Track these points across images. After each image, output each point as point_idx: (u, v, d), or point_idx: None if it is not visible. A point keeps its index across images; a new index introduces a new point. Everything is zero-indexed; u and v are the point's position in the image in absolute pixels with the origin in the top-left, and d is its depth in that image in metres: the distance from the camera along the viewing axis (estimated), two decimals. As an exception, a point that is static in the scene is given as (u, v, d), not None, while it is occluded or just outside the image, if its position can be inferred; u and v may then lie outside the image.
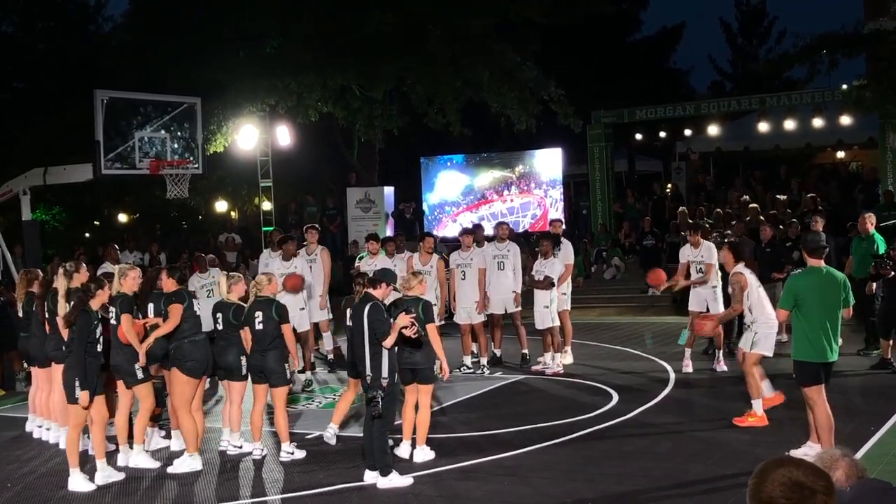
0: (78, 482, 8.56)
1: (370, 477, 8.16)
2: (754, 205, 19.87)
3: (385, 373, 8.01)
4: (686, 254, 13.08)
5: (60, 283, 9.72)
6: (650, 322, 18.36)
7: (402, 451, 8.87)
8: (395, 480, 8.04)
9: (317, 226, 14.74)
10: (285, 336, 9.27)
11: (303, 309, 12.99)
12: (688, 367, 12.63)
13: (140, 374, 8.93)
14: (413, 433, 8.88)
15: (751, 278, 9.95)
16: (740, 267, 10.10)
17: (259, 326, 9.16)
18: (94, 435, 8.83)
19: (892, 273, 12.20)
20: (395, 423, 8.71)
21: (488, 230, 17.02)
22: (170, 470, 8.90)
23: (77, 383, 8.45)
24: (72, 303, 8.83)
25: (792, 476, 2.96)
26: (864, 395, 11.02)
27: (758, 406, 9.64)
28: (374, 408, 7.97)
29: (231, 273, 10.25)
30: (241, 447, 9.53)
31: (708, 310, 12.72)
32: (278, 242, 13.69)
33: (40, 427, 10.71)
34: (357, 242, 21.57)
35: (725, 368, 12.76)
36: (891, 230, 16.55)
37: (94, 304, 8.65)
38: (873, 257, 12.86)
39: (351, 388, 9.55)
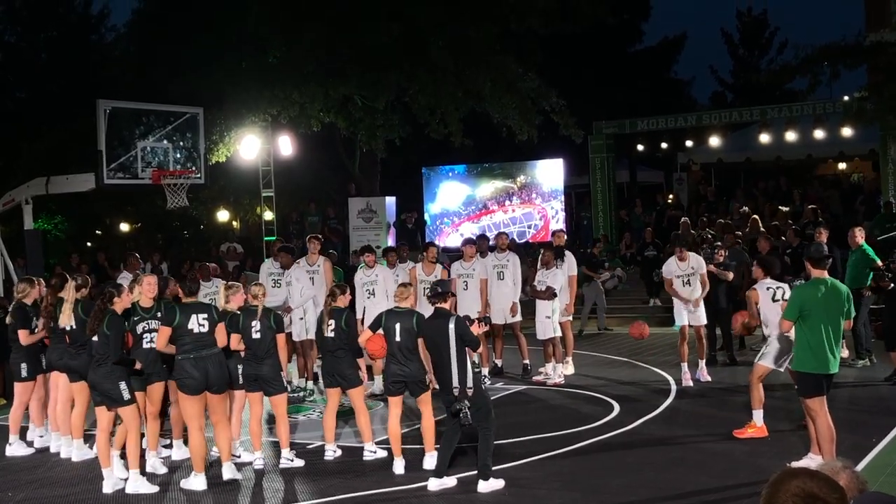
0: (139, 485, 8.56)
1: (435, 485, 8.22)
2: (755, 216, 19.87)
3: (470, 382, 8.13)
4: (672, 269, 13.02)
5: (69, 295, 9.74)
6: (651, 332, 18.31)
7: (397, 467, 8.88)
8: (494, 484, 8.15)
9: (319, 236, 14.61)
10: (279, 345, 9.30)
11: (301, 319, 12.96)
12: (687, 380, 12.62)
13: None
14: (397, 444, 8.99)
15: (765, 293, 9.89)
16: (761, 282, 10.04)
17: (256, 336, 9.16)
18: (100, 442, 8.83)
19: (892, 285, 12.22)
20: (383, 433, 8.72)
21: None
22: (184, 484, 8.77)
23: (124, 386, 8.50)
24: (91, 311, 8.80)
25: (806, 487, 2.95)
26: (866, 406, 11.01)
27: (758, 417, 9.62)
28: (464, 418, 8.05)
29: (230, 283, 10.22)
30: (238, 456, 9.54)
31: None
32: (276, 252, 13.72)
33: (41, 437, 10.72)
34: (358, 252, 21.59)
35: (709, 378, 12.78)
36: (891, 242, 16.58)
37: (118, 309, 8.69)
38: (872, 269, 12.88)
39: (332, 401, 9.54)
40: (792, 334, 9.08)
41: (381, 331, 8.80)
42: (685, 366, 12.73)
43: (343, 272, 16.10)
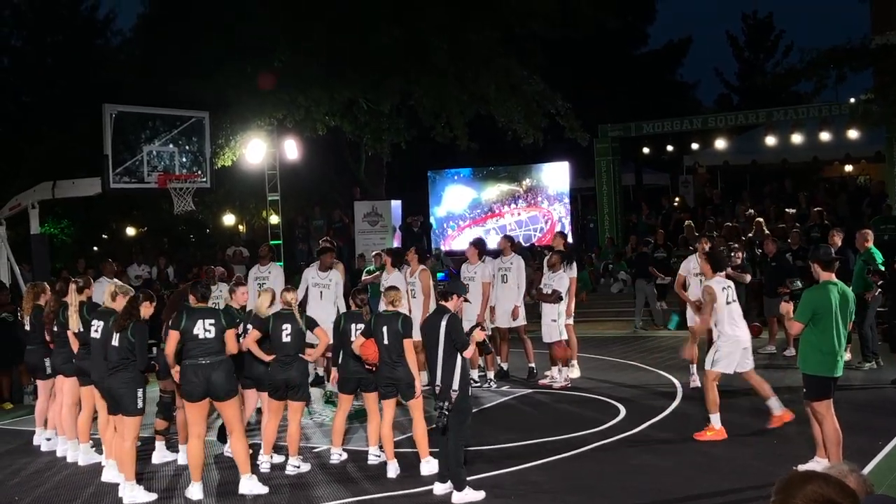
0: (136, 494, 8.51)
1: (441, 489, 8.18)
2: (759, 218, 19.81)
3: (456, 385, 8.04)
4: (691, 267, 12.90)
5: (73, 298, 9.74)
6: (657, 335, 18.33)
7: (390, 471, 8.88)
8: (470, 495, 8.01)
9: (331, 240, 14.60)
10: (320, 338, 9.25)
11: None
12: (695, 381, 12.59)
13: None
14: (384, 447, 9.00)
15: (723, 293, 9.87)
16: (715, 279, 10.05)
17: (286, 339, 9.12)
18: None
19: (881, 282, 12.29)
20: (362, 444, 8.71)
21: (493, 244, 17.04)
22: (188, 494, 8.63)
23: (140, 395, 8.49)
24: (118, 312, 8.77)
25: (822, 492, 2.93)
26: (873, 409, 10.98)
27: (715, 420, 9.62)
28: (440, 419, 7.96)
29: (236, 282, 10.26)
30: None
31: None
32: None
33: (49, 440, 10.73)
34: (364, 256, 21.60)
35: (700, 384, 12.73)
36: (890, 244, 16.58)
37: (144, 314, 8.68)
38: (868, 270, 12.91)
39: (344, 405, 9.55)
40: (738, 333, 9.51)
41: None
42: (694, 367, 12.66)
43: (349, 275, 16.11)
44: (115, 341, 8.54)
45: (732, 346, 9.75)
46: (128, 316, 8.54)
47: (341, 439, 9.59)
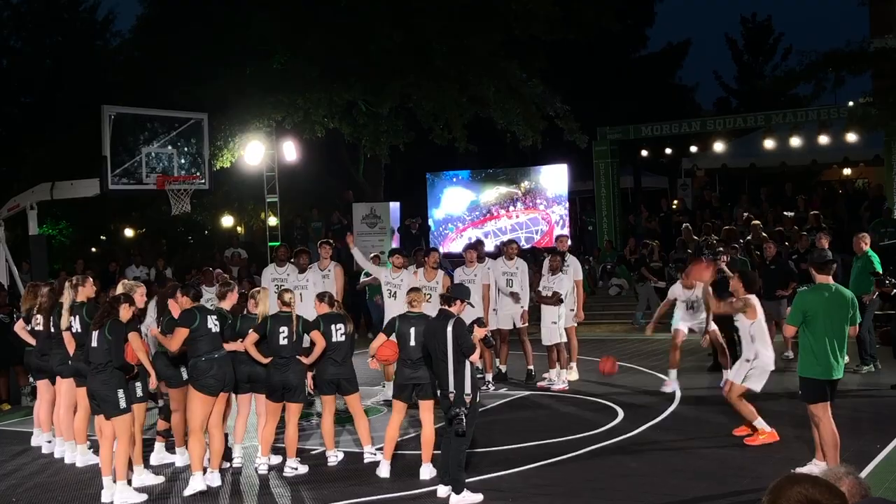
0: (127, 495, 8.52)
1: (444, 492, 8.16)
2: (756, 221, 19.80)
3: (468, 389, 8.04)
4: (677, 293, 12.84)
5: (65, 297, 9.72)
6: (655, 338, 18.28)
7: (382, 470, 8.88)
8: (468, 498, 8.00)
9: (331, 241, 14.54)
10: (316, 341, 9.19)
11: None
12: (668, 386, 12.48)
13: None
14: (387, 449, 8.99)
15: (759, 311, 9.77)
16: (751, 298, 9.81)
17: (283, 342, 9.14)
18: (104, 451, 8.80)
19: (894, 291, 12.23)
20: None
21: (490, 246, 17.05)
22: (185, 492, 8.67)
23: (122, 394, 8.51)
24: (98, 310, 8.80)
25: (808, 494, 2.93)
26: (870, 412, 10.99)
27: (761, 424, 9.58)
28: (458, 425, 7.95)
29: (223, 282, 10.22)
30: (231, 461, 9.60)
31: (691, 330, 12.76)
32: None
33: (50, 442, 10.70)
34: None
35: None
36: (893, 248, 16.56)
37: (123, 316, 8.66)
38: (872, 275, 12.87)
39: (327, 408, 9.52)
40: (769, 356, 9.37)
41: (393, 336, 8.83)
42: (673, 373, 12.54)
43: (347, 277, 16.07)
44: (94, 342, 8.58)
45: (766, 367, 9.64)
46: (106, 315, 8.59)
47: (333, 441, 9.59)
